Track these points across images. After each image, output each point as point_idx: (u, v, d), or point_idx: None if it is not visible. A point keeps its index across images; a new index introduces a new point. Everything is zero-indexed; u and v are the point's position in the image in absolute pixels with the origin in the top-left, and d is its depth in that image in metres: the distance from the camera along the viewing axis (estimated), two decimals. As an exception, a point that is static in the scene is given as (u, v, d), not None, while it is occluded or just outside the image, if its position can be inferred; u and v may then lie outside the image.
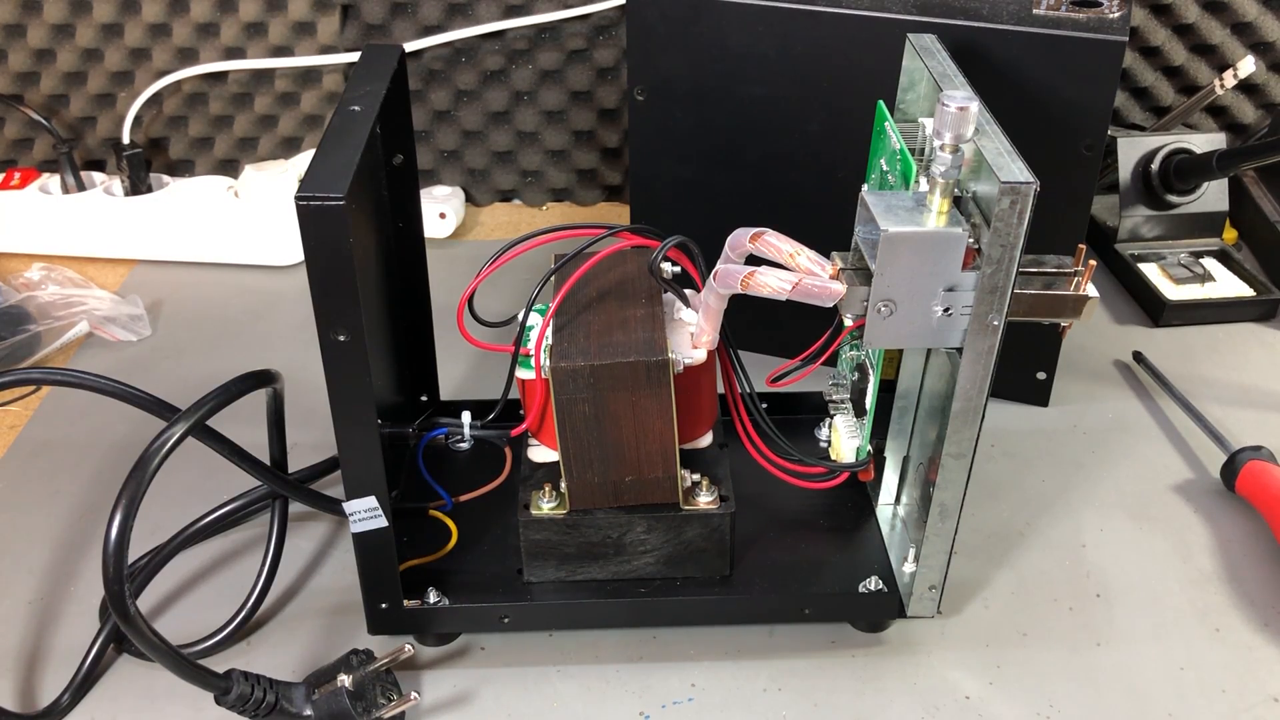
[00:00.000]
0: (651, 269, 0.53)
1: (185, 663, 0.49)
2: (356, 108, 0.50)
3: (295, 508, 0.64)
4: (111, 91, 0.99)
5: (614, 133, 1.00)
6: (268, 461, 0.59)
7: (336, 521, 0.67)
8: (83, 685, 0.56)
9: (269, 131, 1.01)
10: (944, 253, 0.46)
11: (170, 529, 0.63)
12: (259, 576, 0.60)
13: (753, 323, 0.61)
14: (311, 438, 0.71)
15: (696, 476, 0.56)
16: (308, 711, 0.52)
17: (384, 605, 0.55)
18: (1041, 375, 0.76)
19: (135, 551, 0.62)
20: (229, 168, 1.03)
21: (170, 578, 0.63)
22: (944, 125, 0.46)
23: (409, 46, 0.94)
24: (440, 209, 0.96)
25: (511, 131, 1.00)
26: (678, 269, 0.55)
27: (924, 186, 0.49)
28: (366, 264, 0.52)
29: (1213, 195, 0.90)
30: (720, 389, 0.57)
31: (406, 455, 0.61)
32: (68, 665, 0.57)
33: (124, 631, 0.47)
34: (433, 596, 0.56)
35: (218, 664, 0.53)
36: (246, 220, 0.92)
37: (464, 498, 0.60)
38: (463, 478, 0.62)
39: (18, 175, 0.96)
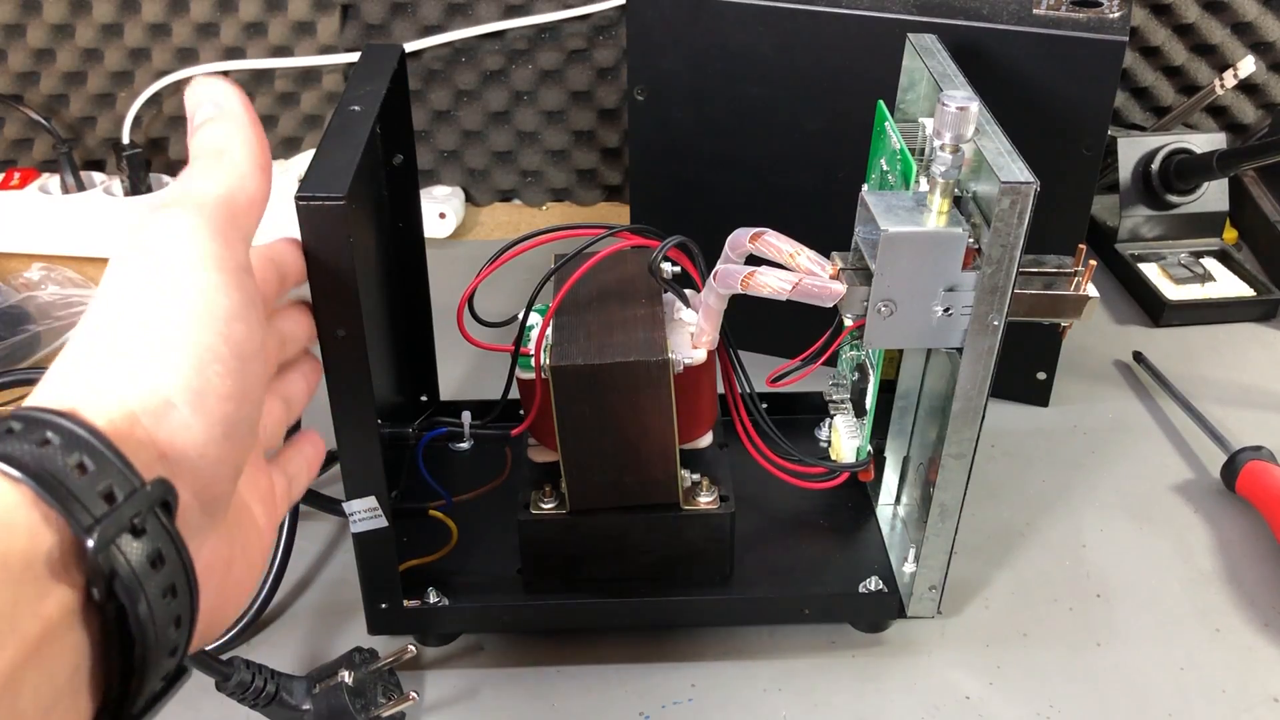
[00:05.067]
0: (651, 269, 0.53)
1: None
2: (356, 108, 0.50)
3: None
4: (111, 91, 0.99)
5: (614, 133, 1.00)
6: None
7: (337, 521, 0.67)
8: (83, 685, 0.56)
9: (269, 131, 1.01)
10: (944, 253, 0.46)
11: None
12: (266, 576, 0.60)
13: (753, 323, 0.61)
14: (311, 438, 0.71)
15: (696, 476, 0.56)
16: (306, 705, 0.52)
17: (384, 605, 0.55)
18: (1041, 375, 0.76)
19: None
20: (229, 168, 1.03)
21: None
22: (944, 125, 0.46)
23: (409, 46, 0.94)
24: (440, 209, 0.96)
25: (511, 131, 1.00)
26: (678, 269, 0.55)
27: (924, 186, 0.49)
28: (366, 264, 0.52)
29: (1213, 195, 0.90)
30: (720, 389, 0.57)
31: (406, 455, 0.61)
32: (68, 665, 0.57)
33: None
34: (433, 596, 0.56)
35: (218, 664, 0.53)
36: (246, 220, 0.91)
37: (464, 498, 0.60)
38: (463, 478, 0.62)
39: (18, 175, 0.96)
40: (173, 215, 0.34)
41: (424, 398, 0.67)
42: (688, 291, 0.55)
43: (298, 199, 0.43)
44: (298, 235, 0.43)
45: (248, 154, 0.37)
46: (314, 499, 0.61)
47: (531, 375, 0.53)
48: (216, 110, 0.37)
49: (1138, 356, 0.81)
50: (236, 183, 0.36)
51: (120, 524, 0.28)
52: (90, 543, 0.27)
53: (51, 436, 0.28)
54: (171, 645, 0.30)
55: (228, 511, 0.35)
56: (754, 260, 0.50)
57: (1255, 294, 0.87)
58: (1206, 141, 0.90)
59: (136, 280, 0.32)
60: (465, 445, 0.67)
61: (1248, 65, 0.88)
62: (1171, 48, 0.96)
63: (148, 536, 0.28)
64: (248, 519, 0.37)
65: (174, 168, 1.03)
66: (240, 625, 0.59)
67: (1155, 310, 0.86)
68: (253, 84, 0.99)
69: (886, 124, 0.54)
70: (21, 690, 0.26)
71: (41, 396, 0.30)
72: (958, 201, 0.48)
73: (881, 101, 0.56)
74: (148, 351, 0.31)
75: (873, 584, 0.57)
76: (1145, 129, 0.97)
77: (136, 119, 0.97)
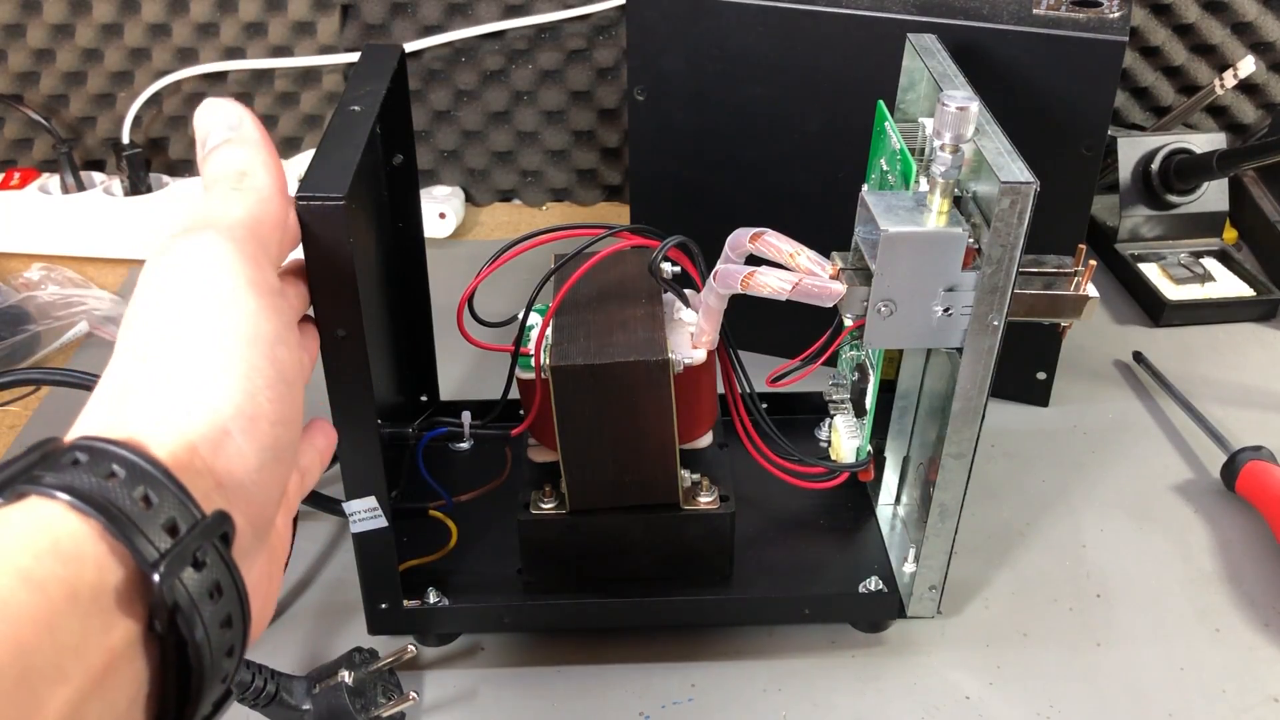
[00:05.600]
0: (651, 269, 0.53)
1: None
2: (356, 108, 0.50)
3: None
4: (111, 91, 0.99)
5: (614, 133, 1.00)
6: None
7: (337, 521, 0.67)
8: (83, 685, 0.56)
9: (269, 131, 1.01)
10: (944, 253, 0.46)
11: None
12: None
13: (753, 323, 0.61)
14: (311, 438, 0.71)
15: (696, 476, 0.56)
16: (306, 705, 0.52)
17: (384, 605, 0.55)
18: (1041, 375, 0.76)
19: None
20: (229, 168, 1.03)
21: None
22: (944, 125, 0.46)
23: (409, 46, 0.94)
24: (440, 209, 0.96)
25: (511, 131, 1.00)
26: (678, 269, 0.55)
27: (924, 186, 0.49)
28: (366, 264, 0.52)
29: (1213, 195, 0.90)
30: (720, 389, 0.57)
31: (406, 455, 0.61)
32: (68, 665, 0.57)
33: None
34: (433, 596, 0.56)
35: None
36: (246, 220, 0.91)
37: (464, 498, 0.60)
38: (463, 478, 0.62)
39: (18, 175, 0.96)
40: (205, 239, 0.33)
41: (424, 398, 0.67)
42: (688, 291, 0.55)
43: (298, 199, 0.43)
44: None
45: (269, 177, 0.37)
46: (314, 499, 0.61)
47: (531, 375, 0.53)
48: (231, 133, 0.37)
49: (1138, 356, 0.81)
50: (260, 206, 0.36)
51: (184, 558, 0.28)
52: (156, 578, 0.28)
53: (117, 470, 0.28)
54: (224, 673, 0.30)
55: (273, 531, 0.35)
56: (754, 260, 0.50)
57: (1255, 294, 0.87)
58: (1206, 141, 0.90)
59: (178, 302, 0.32)
60: (465, 445, 0.67)
61: (1248, 65, 0.88)
62: (1171, 48, 0.96)
63: (208, 569, 0.29)
64: (275, 530, 0.37)
65: (174, 168, 1.03)
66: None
67: (1155, 310, 0.86)
68: (253, 84, 0.99)
69: (886, 124, 0.54)
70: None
71: (97, 423, 0.31)
72: (958, 201, 0.48)
73: (881, 101, 0.56)
74: (202, 378, 0.31)
75: (873, 584, 0.57)
76: (1145, 129, 0.97)
77: (136, 119, 0.97)
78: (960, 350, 0.49)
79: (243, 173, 0.36)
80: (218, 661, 0.30)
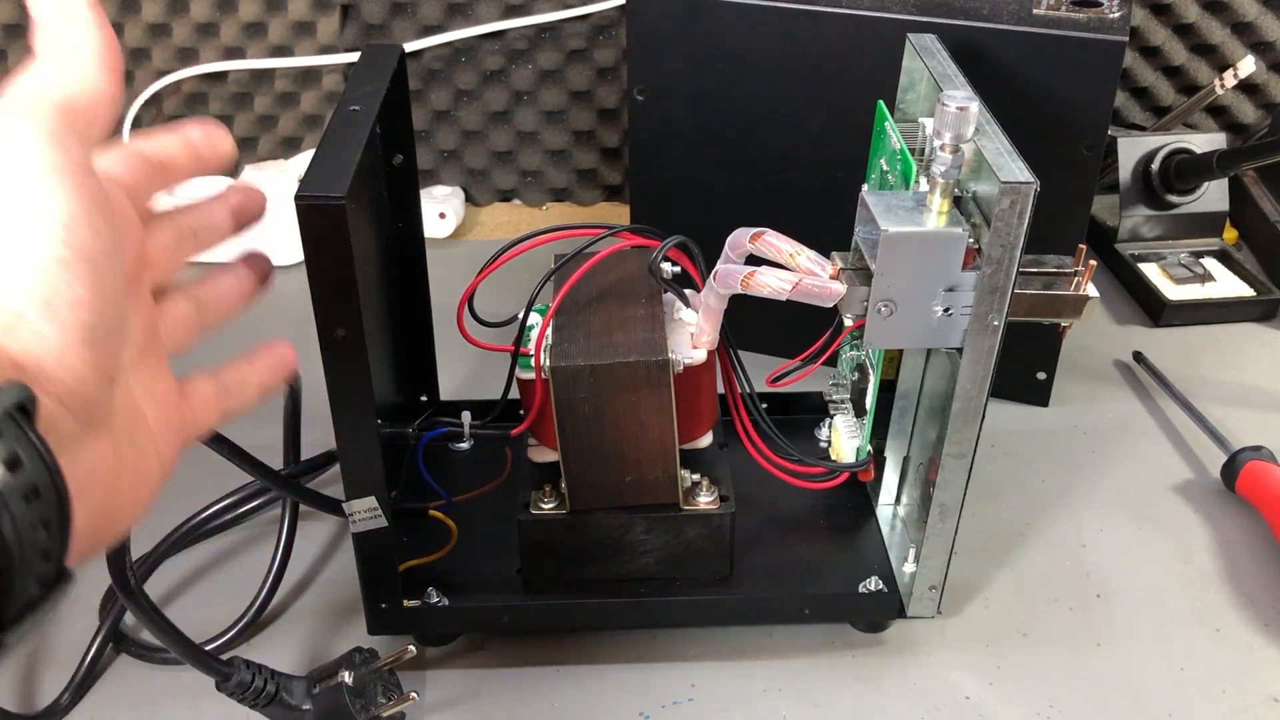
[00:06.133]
0: (651, 269, 0.53)
1: (188, 645, 0.49)
2: (356, 108, 0.50)
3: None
4: (111, 91, 0.99)
5: (614, 133, 1.00)
6: (281, 465, 0.59)
7: (337, 521, 0.67)
8: (82, 685, 0.56)
9: (269, 131, 1.01)
10: (944, 253, 0.46)
11: (167, 530, 0.63)
12: (267, 576, 0.60)
13: (753, 323, 0.61)
14: (311, 437, 0.70)
15: (696, 476, 0.56)
16: (307, 705, 0.52)
17: (384, 605, 0.55)
18: (1041, 375, 0.76)
19: (133, 553, 0.61)
20: (229, 168, 1.03)
21: (167, 578, 0.63)
22: (944, 125, 0.46)
23: (409, 46, 0.94)
24: (440, 209, 0.96)
25: (511, 131, 1.00)
26: (678, 269, 0.55)
27: (924, 186, 0.49)
28: (366, 264, 0.52)
29: (1213, 195, 0.90)
30: (720, 389, 0.57)
31: (406, 455, 0.61)
32: (67, 665, 0.57)
33: (127, 606, 0.47)
34: (433, 596, 0.56)
35: (218, 664, 0.53)
36: (246, 220, 0.91)
37: (464, 497, 0.60)
38: (463, 478, 0.62)
39: (18, 175, 0.96)
40: (2, 122, 0.33)
41: (424, 398, 0.67)
42: (688, 291, 0.55)
43: (298, 198, 0.43)
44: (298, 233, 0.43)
45: (91, 50, 0.35)
46: (314, 499, 0.61)
47: (531, 375, 0.53)
48: (59, 6, 0.36)
49: (1138, 356, 0.81)
50: (76, 81, 0.35)
51: None
52: None
53: None
54: (41, 548, 0.29)
55: (110, 417, 0.34)
56: (754, 260, 0.50)
57: (1255, 294, 0.87)
58: (1206, 141, 0.90)
59: None
60: (465, 445, 0.67)
61: (1248, 65, 0.88)
62: (1171, 48, 0.96)
63: (2, 441, 0.28)
64: (139, 424, 0.36)
65: (174, 168, 1.03)
66: (240, 625, 0.59)
67: (1155, 310, 0.86)
68: (253, 84, 0.99)
69: (886, 124, 0.54)
70: None
71: None
72: (958, 201, 0.48)
73: (881, 101, 0.56)
74: None
75: (873, 584, 0.57)
76: (1145, 129, 0.97)
77: (136, 119, 0.97)
78: (960, 350, 0.49)
79: (63, 46, 0.35)
80: (27, 534, 0.28)
